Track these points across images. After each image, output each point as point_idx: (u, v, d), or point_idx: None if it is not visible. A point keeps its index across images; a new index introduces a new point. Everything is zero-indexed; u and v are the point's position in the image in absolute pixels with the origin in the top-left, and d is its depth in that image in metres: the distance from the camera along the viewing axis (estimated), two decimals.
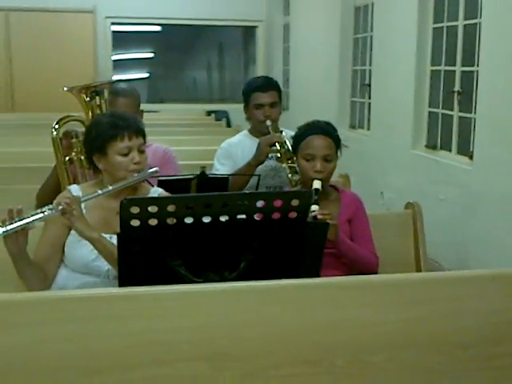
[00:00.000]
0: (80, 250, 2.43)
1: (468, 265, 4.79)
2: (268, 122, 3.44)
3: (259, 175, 3.17)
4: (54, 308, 1.88)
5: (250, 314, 1.98)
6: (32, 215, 2.22)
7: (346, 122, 7.48)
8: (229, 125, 9.69)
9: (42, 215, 2.24)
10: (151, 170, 2.50)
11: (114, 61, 13.11)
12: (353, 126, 7.41)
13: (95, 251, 2.37)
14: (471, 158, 4.83)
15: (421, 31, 5.51)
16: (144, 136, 2.57)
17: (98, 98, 3.22)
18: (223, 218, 2.00)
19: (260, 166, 3.37)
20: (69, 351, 1.87)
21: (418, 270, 2.96)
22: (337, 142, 2.78)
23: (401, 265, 2.98)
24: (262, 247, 2.07)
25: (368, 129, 6.91)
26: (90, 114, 3.22)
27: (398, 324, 2.04)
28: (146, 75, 15.13)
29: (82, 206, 2.41)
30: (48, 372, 1.87)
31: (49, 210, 2.26)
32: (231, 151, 3.54)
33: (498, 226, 4.40)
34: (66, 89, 3.22)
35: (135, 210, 1.94)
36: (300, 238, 2.08)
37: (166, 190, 2.83)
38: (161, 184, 2.89)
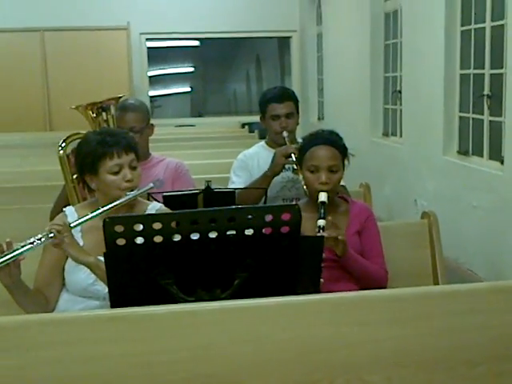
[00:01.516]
0: (77, 274, 2.39)
1: (504, 274, 4.62)
2: (284, 133, 3.39)
3: (266, 188, 3.10)
4: (39, 331, 1.84)
5: (242, 334, 1.92)
6: (22, 246, 2.17)
7: (379, 129, 7.36)
8: (263, 136, 9.64)
9: (31, 246, 2.18)
10: (145, 188, 2.45)
11: (153, 76, 13.27)
12: (386, 134, 7.27)
13: (93, 275, 2.32)
14: (502, 163, 4.67)
15: (449, 34, 5.37)
16: (136, 151, 2.51)
17: (104, 113, 3.20)
18: (212, 235, 1.94)
19: (277, 178, 3.31)
20: (54, 375, 1.83)
21: (436, 282, 2.85)
22: (342, 152, 2.70)
23: (417, 277, 2.88)
24: (256, 263, 2.00)
25: (400, 136, 6.77)
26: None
27: (399, 341, 1.95)
28: (188, 89, 15.27)
29: (78, 229, 2.37)
30: None
31: (38, 239, 2.20)
32: (247, 163, 3.50)
33: None
34: (73, 107, 3.21)
35: (119, 228, 1.90)
36: (295, 253, 2.00)
37: (172, 206, 2.78)
38: (166, 200, 2.84)
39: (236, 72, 15.37)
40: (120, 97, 3.33)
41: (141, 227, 1.90)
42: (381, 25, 7.20)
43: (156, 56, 12.32)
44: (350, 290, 2.52)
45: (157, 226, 1.90)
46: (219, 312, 1.92)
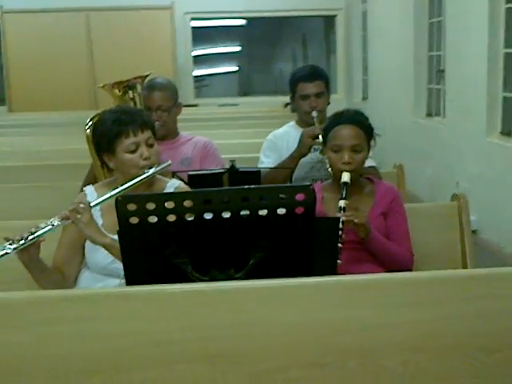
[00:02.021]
0: (97, 253, 2.40)
1: None
2: (314, 113, 3.34)
3: (292, 168, 3.07)
4: (52, 307, 1.86)
5: (254, 315, 1.90)
6: (41, 228, 2.20)
7: (423, 109, 7.22)
8: None
9: (51, 227, 2.21)
10: (163, 165, 2.43)
11: (199, 56, 13.27)
12: (429, 114, 7.13)
13: None
14: None
15: (492, 12, 5.22)
16: (153, 128, 2.49)
17: (130, 92, 3.19)
18: (226, 215, 1.92)
19: (305, 159, 3.27)
20: (66, 352, 1.84)
21: (464, 265, 2.78)
22: (367, 132, 2.65)
23: (446, 261, 2.82)
24: (271, 244, 1.97)
25: (444, 116, 6.63)
26: None
27: (415, 325, 1.90)
28: (235, 68, 15.23)
29: (97, 208, 2.38)
30: (48, 372, 1.84)
31: (57, 220, 2.22)
32: (277, 143, 3.48)
33: None
34: (100, 86, 3.23)
35: (132, 207, 1.89)
36: (310, 234, 1.97)
37: (196, 185, 2.77)
38: (191, 179, 2.84)
39: (282, 51, 15.24)
40: (147, 75, 3.32)
41: (153, 206, 1.89)
42: (425, 2, 7.04)
43: (201, 35, 12.31)
44: (373, 273, 2.48)
45: (169, 205, 1.89)
46: (231, 292, 1.90)
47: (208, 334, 1.88)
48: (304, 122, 3.43)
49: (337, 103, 11.05)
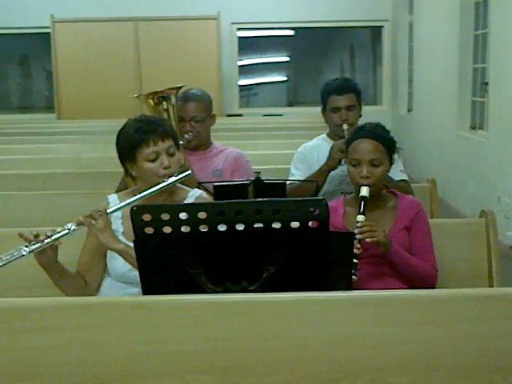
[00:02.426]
0: (116, 260, 2.43)
1: None
2: (345, 126, 3.32)
3: (317, 181, 3.06)
4: (63, 314, 1.90)
5: (267, 328, 1.91)
6: (58, 232, 2.25)
7: (467, 122, 7.11)
8: None
9: (67, 231, 2.26)
10: (183, 175, 2.44)
11: (246, 65, 13.34)
12: (473, 127, 7.03)
13: None
14: None
15: None
16: (174, 137, 2.52)
17: (164, 103, 3.24)
18: (239, 227, 1.93)
19: (336, 172, 3.26)
20: (80, 358, 1.88)
21: (491, 284, 2.73)
22: (388, 145, 2.63)
23: (472, 278, 2.77)
24: (285, 257, 1.98)
25: (487, 130, 6.52)
26: None
27: (428, 344, 1.88)
28: (284, 78, 15.27)
29: (119, 215, 2.43)
30: (61, 378, 1.88)
31: (73, 225, 2.27)
32: (307, 155, 3.47)
33: None
34: (135, 96, 3.28)
35: (147, 217, 1.92)
36: (324, 248, 1.97)
37: (222, 197, 2.79)
38: (216, 190, 2.86)
39: (330, 62, 15.23)
40: (180, 86, 3.36)
41: (168, 216, 1.91)
42: (471, 14, 6.94)
43: (248, 45, 12.39)
44: (395, 288, 2.46)
45: (183, 216, 1.92)
46: (243, 304, 1.91)
47: (219, 345, 1.89)
48: (335, 134, 3.42)
49: (382, 115, 11.03)
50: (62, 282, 2.41)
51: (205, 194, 2.64)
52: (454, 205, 7.08)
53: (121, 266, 2.41)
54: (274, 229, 1.93)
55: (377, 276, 2.53)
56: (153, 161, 2.45)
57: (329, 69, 15.16)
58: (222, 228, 1.93)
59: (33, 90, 13.02)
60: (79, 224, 2.28)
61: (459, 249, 2.82)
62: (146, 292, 2.04)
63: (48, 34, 9.97)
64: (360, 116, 3.46)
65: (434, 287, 2.54)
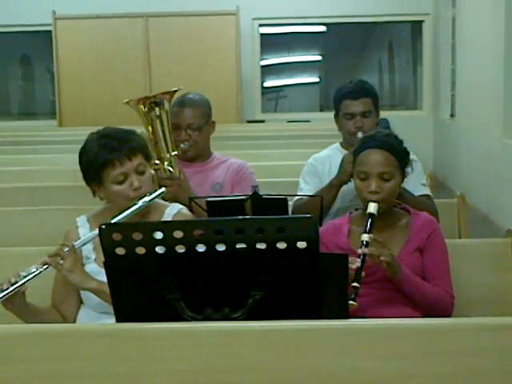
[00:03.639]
0: None
1: None
2: (359, 134, 3.28)
3: (322, 197, 3.07)
4: (31, 343, 1.93)
5: (251, 360, 1.93)
6: (23, 277, 2.27)
7: None
8: None
9: (32, 275, 2.28)
10: (155, 194, 2.46)
11: (272, 65, 13.40)
12: None
13: None
14: None
15: None
16: (144, 152, 2.53)
17: (157, 109, 3.27)
18: (220, 247, 1.96)
19: (349, 186, 3.25)
20: None
21: None
22: (400, 157, 2.63)
23: (496, 305, 2.77)
24: (272, 281, 2.00)
25: None
26: (150, 127, 3.29)
27: (430, 379, 1.89)
28: (316, 79, 15.29)
29: (90, 246, 2.47)
30: None
31: (39, 267, 2.29)
32: (317, 167, 3.47)
33: None
34: (124, 101, 3.32)
35: (117, 236, 1.96)
36: (314, 272, 1.99)
37: (216, 214, 2.82)
38: (209, 206, 2.89)
39: (367, 61, 15.23)
40: (175, 91, 3.37)
41: (140, 236, 1.95)
42: None
43: (274, 43, 12.45)
44: (406, 316, 2.47)
45: (157, 235, 1.95)
46: (225, 334, 1.94)
47: (197, 379, 1.92)
48: (349, 143, 3.40)
49: (422, 121, 10.95)
50: (37, 322, 2.41)
51: (185, 210, 2.66)
52: (501, 223, 7.01)
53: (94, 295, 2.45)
54: (259, 249, 1.95)
55: (386, 303, 2.54)
56: (121, 183, 2.46)
57: (365, 69, 15.16)
58: (200, 249, 1.96)
59: (35, 93, 13.22)
60: (45, 264, 2.31)
61: (483, 272, 2.82)
62: (119, 319, 2.07)
63: (50, 32, 10.09)
64: (377, 124, 3.45)
65: (449, 316, 2.54)
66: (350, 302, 2.27)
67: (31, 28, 10.70)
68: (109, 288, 2.05)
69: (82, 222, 2.62)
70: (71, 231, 2.56)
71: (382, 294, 2.54)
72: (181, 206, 2.67)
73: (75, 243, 2.38)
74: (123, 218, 2.40)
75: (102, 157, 2.45)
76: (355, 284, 2.32)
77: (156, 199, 2.55)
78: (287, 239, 1.94)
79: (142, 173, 2.50)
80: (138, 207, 2.44)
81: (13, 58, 12.48)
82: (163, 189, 2.53)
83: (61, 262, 2.32)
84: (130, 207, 2.42)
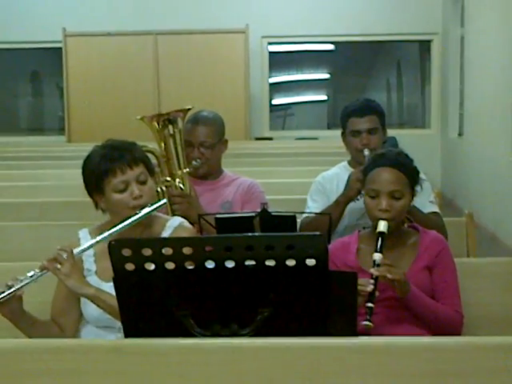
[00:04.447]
0: (87, 303, 2.45)
1: None
2: (366, 152, 3.31)
3: (329, 214, 3.07)
4: (36, 358, 1.93)
5: (259, 377, 1.92)
6: (20, 281, 2.27)
7: None
8: None
9: (29, 280, 2.28)
10: (157, 205, 2.47)
11: (280, 83, 13.44)
12: None
13: None
14: None
15: None
16: (145, 162, 2.54)
17: (170, 126, 3.28)
18: (229, 264, 1.96)
19: (357, 203, 3.26)
20: None
21: None
22: (410, 176, 2.64)
23: (506, 324, 2.76)
24: (280, 299, 2.00)
25: None
26: (163, 144, 3.30)
27: None
28: (323, 97, 15.34)
29: (91, 253, 2.48)
30: None
31: (37, 271, 2.29)
32: (325, 185, 3.47)
33: None
34: (138, 117, 3.34)
35: (127, 252, 1.96)
36: (324, 290, 1.99)
37: (225, 231, 2.82)
38: (218, 223, 2.89)
39: (375, 80, 15.28)
40: (189, 109, 3.39)
41: (150, 252, 1.95)
42: None
43: (282, 61, 12.49)
44: (416, 335, 2.46)
45: (167, 251, 1.95)
46: (233, 350, 1.93)
47: None
48: (356, 161, 3.42)
49: (430, 139, 10.94)
50: (33, 333, 2.42)
51: (186, 223, 2.67)
52: (508, 242, 6.99)
53: (93, 308, 2.43)
54: (268, 266, 1.96)
55: (394, 321, 2.54)
56: (122, 191, 2.47)
57: (373, 87, 15.20)
58: (210, 265, 1.96)
59: (44, 109, 13.30)
60: (43, 269, 2.31)
61: (491, 291, 2.82)
62: (127, 335, 2.07)
63: (61, 48, 10.16)
64: (385, 142, 3.46)
65: (458, 334, 2.53)
66: (366, 322, 2.27)
67: (42, 45, 10.76)
68: (118, 303, 2.05)
69: (83, 234, 2.63)
70: (72, 243, 2.55)
71: (389, 313, 2.53)
72: (182, 219, 2.68)
73: (74, 249, 2.38)
74: (124, 227, 2.40)
75: (103, 165, 2.47)
76: (370, 304, 2.31)
77: (157, 212, 2.56)
78: (296, 256, 1.94)
79: (143, 182, 2.51)
80: (139, 217, 2.44)
81: (23, 74, 12.58)
82: (164, 200, 2.54)
83: (58, 266, 2.31)
84: (130, 217, 2.43)
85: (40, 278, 2.32)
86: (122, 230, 2.41)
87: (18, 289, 2.27)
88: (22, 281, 2.27)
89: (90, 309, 2.47)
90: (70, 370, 1.91)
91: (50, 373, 1.91)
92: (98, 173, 2.49)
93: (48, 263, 2.31)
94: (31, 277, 2.28)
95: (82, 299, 2.50)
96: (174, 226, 2.60)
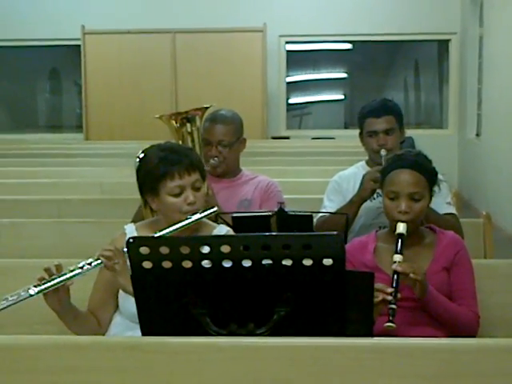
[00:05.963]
0: (129, 298, 2.42)
1: None
2: (382, 152, 3.30)
3: (347, 214, 3.07)
4: (56, 355, 1.95)
5: (275, 376, 1.93)
6: (71, 271, 2.27)
7: None
8: None
9: (80, 270, 2.28)
10: (208, 212, 2.46)
11: (297, 82, 13.42)
12: None
13: None
14: None
15: None
16: (201, 170, 2.55)
17: (188, 125, 3.29)
18: (246, 263, 1.97)
19: (373, 203, 3.27)
20: None
21: None
22: (429, 177, 2.63)
23: None
24: (297, 298, 2.00)
25: None
26: (181, 142, 3.31)
27: None
28: (341, 97, 15.31)
29: None
30: None
31: (88, 264, 2.30)
32: (342, 185, 3.47)
33: None
34: (156, 116, 3.35)
35: (145, 250, 1.97)
36: (340, 289, 1.99)
37: (242, 229, 2.82)
38: (235, 221, 2.90)
39: (392, 79, 15.22)
40: (207, 107, 3.39)
41: (167, 250, 1.96)
42: None
43: (299, 59, 12.48)
44: (431, 336, 2.46)
45: (184, 250, 1.96)
46: (249, 349, 1.94)
47: None
48: (373, 161, 3.42)
49: (447, 140, 10.88)
50: (75, 325, 2.44)
51: (232, 232, 2.67)
52: None
53: (132, 305, 2.43)
54: (285, 266, 1.96)
55: (410, 324, 2.52)
56: (177, 195, 2.48)
57: (391, 87, 15.14)
58: (227, 264, 1.97)
59: (63, 107, 13.35)
60: (98, 260, 2.32)
61: (509, 293, 2.81)
62: (144, 332, 2.09)
63: (79, 46, 10.20)
64: (402, 142, 3.45)
65: (475, 336, 2.53)
66: (389, 324, 2.27)
67: (61, 42, 10.83)
68: (135, 301, 2.06)
69: (130, 229, 2.63)
70: (118, 238, 2.55)
71: (405, 314, 2.52)
72: (228, 228, 2.68)
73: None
74: (172, 230, 2.39)
75: (162, 168, 2.48)
76: (393, 306, 2.31)
77: (206, 219, 2.56)
78: (313, 256, 1.94)
79: (197, 189, 2.52)
80: (189, 222, 2.43)
81: (42, 71, 12.64)
82: (215, 208, 2.53)
83: (115, 261, 2.33)
84: (181, 221, 2.43)
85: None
86: (176, 232, 2.40)
87: (68, 279, 2.27)
88: (71, 271, 2.27)
89: (129, 305, 2.45)
90: (88, 367, 1.93)
91: (69, 370, 1.93)
92: (155, 174, 2.49)
93: (106, 260, 2.33)
94: (81, 268, 2.29)
95: (122, 293, 2.50)
96: (221, 233, 2.60)
